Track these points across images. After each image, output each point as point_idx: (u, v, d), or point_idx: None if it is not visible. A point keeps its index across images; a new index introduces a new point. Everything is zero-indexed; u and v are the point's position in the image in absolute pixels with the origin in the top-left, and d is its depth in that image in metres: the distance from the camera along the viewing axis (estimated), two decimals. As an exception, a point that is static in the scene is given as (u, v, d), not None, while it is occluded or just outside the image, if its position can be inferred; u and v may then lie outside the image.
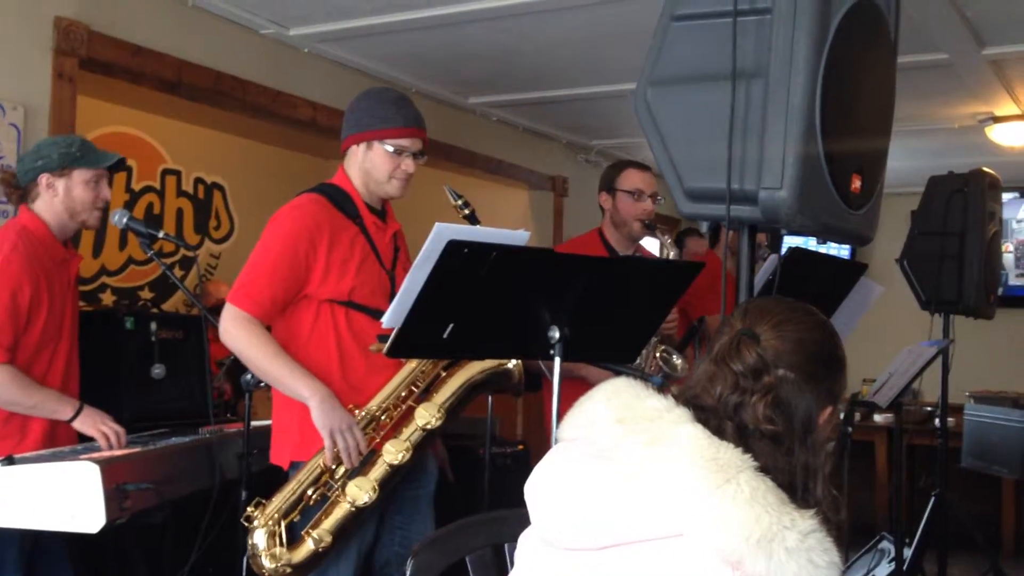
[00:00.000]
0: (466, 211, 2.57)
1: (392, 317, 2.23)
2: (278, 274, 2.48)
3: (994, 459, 5.02)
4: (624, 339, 2.51)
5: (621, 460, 1.20)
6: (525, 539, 1.35)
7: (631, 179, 3.33)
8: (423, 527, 2.64)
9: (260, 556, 2.37)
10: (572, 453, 1.29)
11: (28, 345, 2.66)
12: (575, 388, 2.81)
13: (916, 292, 4.35)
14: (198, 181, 6.42)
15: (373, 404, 2.50)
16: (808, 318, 1.36)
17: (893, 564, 4.13)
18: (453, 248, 2.04)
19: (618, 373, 2.84)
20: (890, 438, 6.50)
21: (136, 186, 5.94)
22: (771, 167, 1.79)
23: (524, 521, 1.42)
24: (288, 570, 2.39)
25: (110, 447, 2.65)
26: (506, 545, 1.62)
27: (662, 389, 1.31)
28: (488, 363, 2.60)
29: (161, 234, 2.94)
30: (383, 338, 2.37)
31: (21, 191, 2.76)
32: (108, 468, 2.24)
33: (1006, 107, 5.04)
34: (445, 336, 2.22)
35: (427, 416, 2.49)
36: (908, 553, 4.14)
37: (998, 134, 5.32)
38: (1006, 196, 6.29)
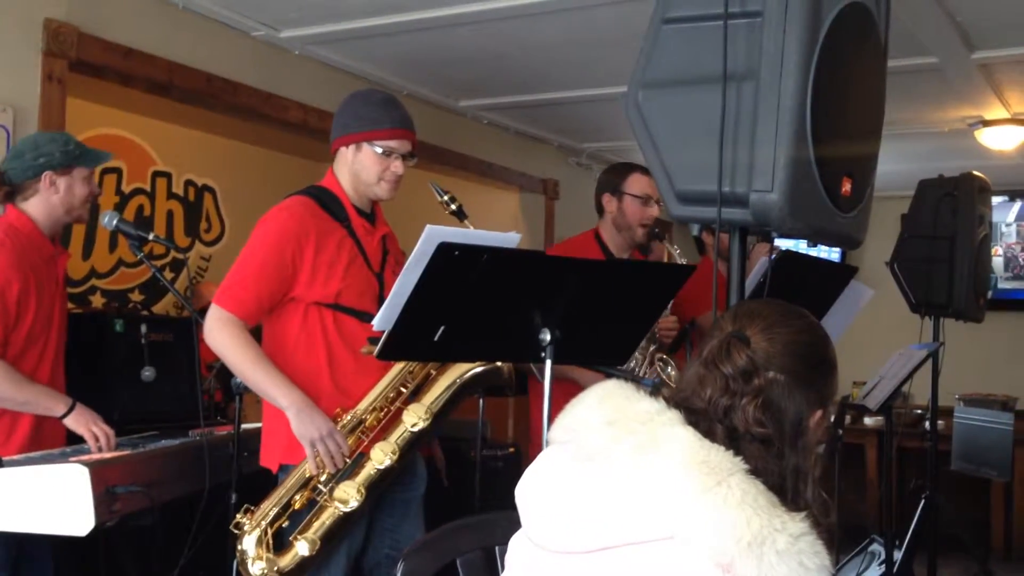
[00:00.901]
0: (453, 206, 2.57)
1: (383, 319, 2.23)
2: (264, 276, 2.48)
3: (983, 461, 5.05)
4: (615, 342, 2.51)
5: (611, 463, 1.20)
6: (516, 542, 1.35)
7: (640, 184, 3.33)
8: (413, 530, 2.64)
9: (249, 562, 2.37)
10: (562, 456, 1.29)
11: (16, 342, 2.65)
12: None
13: (906, 295, 4.36)
14: (188, 183, 6.40)
15: (360, 407, 2.50)
16: (799, 321, 1.36)
17: (883, 566, 4.14)
18: (444, 250, 2.04)
19: (609, 375, 2.86)
20: (880, 441, 6.53)
21: (126, 188, 5.91)
22: (762, 170, 1.79)
23: (515, 524, 1.42)
24: (277, 573, 2.39)
25: (99, 448, 2.64)
26: (497, 548, 1.62)
27: (654, 392, 1.31)
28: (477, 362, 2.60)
29: (151, 236, 2.94)
30: (374, 340, 2.37)
31: (9, 188, 2.74)
32: (97, 471, 2.23)
33: (995, 111, 5.06)
34: (436, 339, 2.23)
35: (414, 417, 2.48)
36: (898, 555, 4.15)
37: (987, 138, 5.34)
38: (996, 199, 6.30)
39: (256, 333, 2.61)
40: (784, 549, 1.10)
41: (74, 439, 2.76)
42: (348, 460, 2.45)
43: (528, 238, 6.27)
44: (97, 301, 5.71)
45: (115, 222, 2.87)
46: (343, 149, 2.63)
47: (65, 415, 2.68)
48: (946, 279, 4.41)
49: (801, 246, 4.74)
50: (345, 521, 2.44)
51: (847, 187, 1.92)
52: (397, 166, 2.60)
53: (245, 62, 4.33)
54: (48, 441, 2.72)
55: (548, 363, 2.32)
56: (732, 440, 1.25)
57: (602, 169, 4.72)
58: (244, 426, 2.92)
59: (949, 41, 3.96)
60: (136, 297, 6.03)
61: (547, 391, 2.35)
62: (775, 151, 1.77)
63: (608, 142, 6.49)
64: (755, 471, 1.18)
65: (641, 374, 3.13)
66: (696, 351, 3.31)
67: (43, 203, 2.75)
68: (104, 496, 2.21)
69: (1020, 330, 6.99)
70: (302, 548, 2.39)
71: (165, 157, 6.18)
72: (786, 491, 1.24)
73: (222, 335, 2.46)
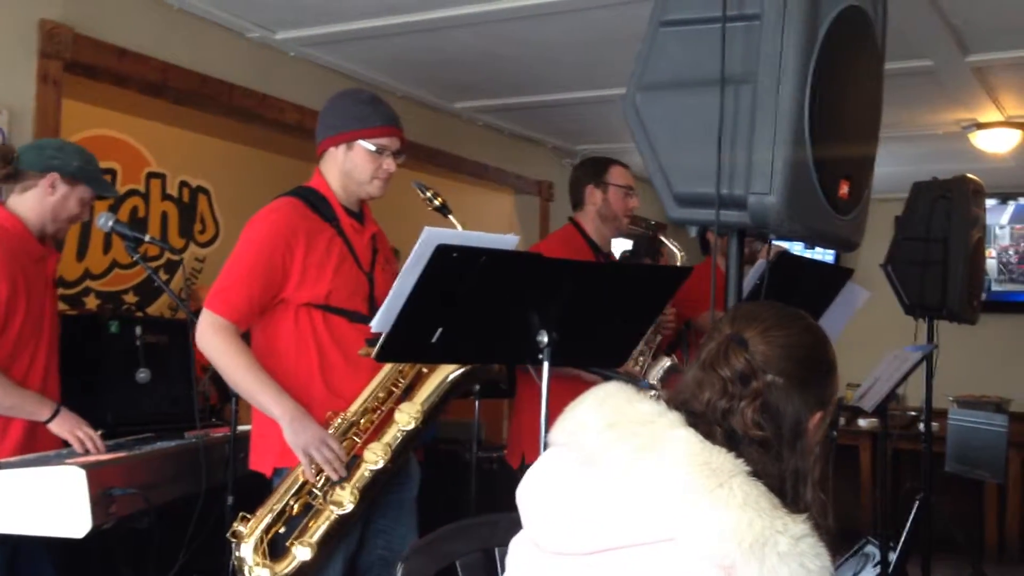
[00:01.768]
0: (436, 202, 2.56)
1: (381, 321, 2.22)
2: (254, 279, 2.46)
3: (977, 463, 5.06)
4: (612, 343, 2.52)
5: (611, 464, 1.20)
6: (516, 544, 1.35)
7: (622, 175, 3.39)
8: (407, 531, 2.63)
9: (247, 571, 2.36)
10: (564, 458, 1.29)
11: (6, 345, 2.63)
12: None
13: (900, 297, 4.38)
14: (183, 184, 6.39)
15: (352, 409, 2.49)
16: (797, 323, 1.37)
17: (878, 568, 4.15)
18: (442, 252, 2.04)
19: (607, 378, 2.86)
20: (874, 443, 6.55)
21: (120, 189, 5.89)
22: (760, 172, 1.79)
23: (515, 525, 1.42)
24: None
25: (85, 452, 2.63)
26: (496, 549, 1.62)
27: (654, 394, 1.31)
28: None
29: (147, 238, 2.93)
30: (371, 342, 2.37)
31: (12, 170, 2.71)
32: (94, 473, 2.22)
33: (989, 113, 5.08)
34: (434, 340, 2.23)
35: (407, 417, 2.47)
36: (892, 557, 4.16)
37: (981, 140, 5.36)
38: (989, 202, 6.33)
39: (245, 335, 2.61)
40: (786, 551, 1.10)
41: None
42: (343, 464, 2.43)
43: (523, 240, 6.23)
44: (91, 303, 5.70)
45: (111, 223, 2.85)
46: (332, 149, 2.61)
47: (49, 420, 2.66)
48: (940, 281, 4.43)
49: (796, 247, 4.75)
50: (341, 524, 2.43)
51: (844, 190, 1.93)
52: (389, 163, 2.59)
53: (240, 63, 4.33)
54: (43, 444, 2.71)
55: (546, 364, 2.32)
56: (731, 443, 1.25)
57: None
58: (240, 428, 2.92)
59: (943, 44, 3.97)
60: (130, 299, 6.01)
61: (544, 393, 2.35)
62: (773, 154, 1.78)
63: (603, 144, 6.49)
64: (755, 473, 1.18)
65: (645, 367, 3.14)
66: (694, 352, 3.33)
67: (36, 202, 2.73)
68: (101, 498, 2.20)
69: (1013, 332, 7.01)
70: (300, 554, 2.37)
71: (159, 158, 6.17)
72: (785, 493, 1.25)
73: (214, 340, 2.44)
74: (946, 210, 4.50)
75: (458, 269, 2.09)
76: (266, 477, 2.54)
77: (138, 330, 3.67)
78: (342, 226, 2.59)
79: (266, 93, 4.47)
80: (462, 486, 4.27)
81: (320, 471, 2.40)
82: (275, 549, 2.39)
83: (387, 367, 2.50)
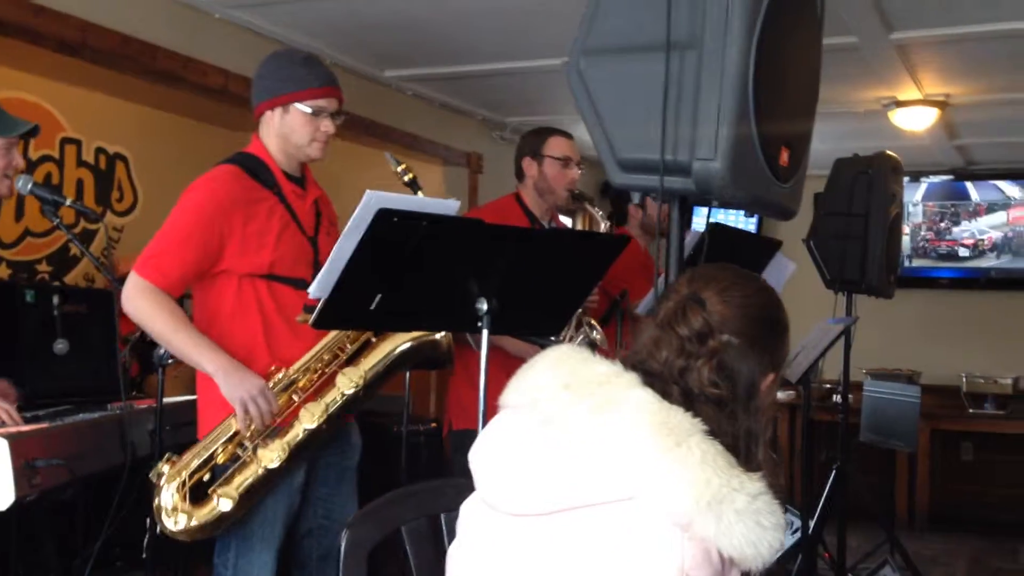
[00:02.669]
0: (406, 178, 2.55)
1: (319, 287, 2.18)
2: (189, 248, 2.42)
3: (891, 433, 5.23)
4: (550, 312, 2.51)
5: (569, 425, 1.20)
6: (469, 507, 1.34)
7: (559, 146, 3.33)
8: (347, 499, 2.63)
9: (166, 516, 2.34)
10: (518, 420, 1.28)
11: None
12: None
13: (821, 271, 4.47)
14: (99, 151, 6.17)
15: (294, 367, 2.46)
16: (753, 284, 1.37)
17: (798, 534, 4.26)
18: (383, 216, 2.00)
19: (542, 347, 2.86)
20: (792, 414, 6.71)
21: (33, 155, 5.66)
22: (705, 138, 1.80)
23: (460, 491, 1.41)
24: (193, 527, 2.35)
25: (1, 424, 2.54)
26: (443, 516, 1.61)
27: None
28: (416, 332, 2.58)
29: (67, 201, 2.82)
30: (309, 309, 2.32)
31: None
32: (16, 444, 2.14)
33: (908, 91, 5.20)
34: (372, 307, 2.19)
35: (348, 382, 2.45)
36: (810, 524, 4.27)
37: (900, 118, 5.48)
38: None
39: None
40: (742, 508, 1.11)
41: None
42: (276, 419, 2.42)
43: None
44: (2, 272, 5.48)
45: (29, 186, 2.74)
46: (268, 113, 2.56)
47: None
48: (860, 256, 4.54)
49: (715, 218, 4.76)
50: (267, 480, 2.41)
51: (784, 157, 1.95)
52: (327, 125, 2.55)
53: (163, 24, 4.18)
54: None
55: (485, 333, 2.31)
56: (687, 401, 1.25)
57: None
58: (166, 400, 2.84)
59: (869, 21, 4.04)
60: (43, 268, 5.80)
61: (483, 361, 2.34)
62: (718, 120, 1.78)
63: (533, 116, 6.47)
64: (711, 433, 1.18)
65: (566, 338, 3.14)
66: (628, 326, 3.34)
67: None
68: (24, 470, 2.13)
69: (924, 307, 7.24)
70: (223, 504, 2.35)
71: (75, 123, 5.94)
72: (739, 452, 1.26)
73: (143, 303, 2.40)
74: (867, 185, 4.61)
75: (399, 234, 2.05)
76: None
77: (56, 299, 3.55)
78: (283, 192, 2.53)
79: (190, 56, 4.33)
80: (392, 459, 4.23)
81: (257, 423, 2.38)
82: (198, 496, 2.36)
83: (333, 332, 2.46)
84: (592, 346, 3.25)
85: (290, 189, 2.56)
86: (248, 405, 2.35)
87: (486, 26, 4.58)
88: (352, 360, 2.51)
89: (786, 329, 1.40)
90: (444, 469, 5.80)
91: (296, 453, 2.41)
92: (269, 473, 2.39)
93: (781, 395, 6.71)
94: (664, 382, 1.27)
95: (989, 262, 7.26)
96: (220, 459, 2.40)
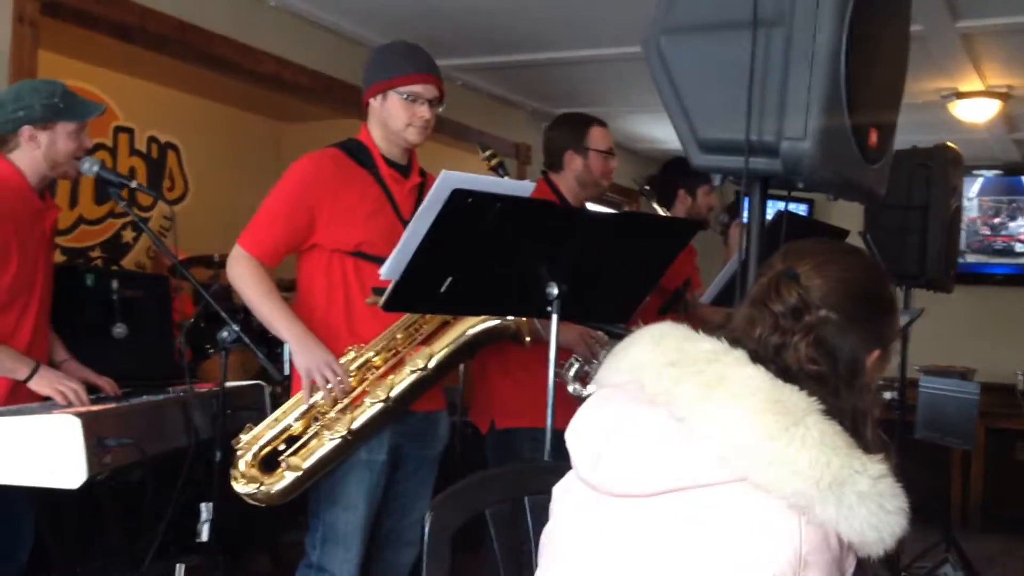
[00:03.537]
0: (492, 163, 2.58)
1: (390, 269, 2.16)
2: (282, 220, 2.54)
3: (948, 431, 5.12)
4: (619, 298, 2.48)
5: (677, 403, 1.16)
6: (565, 488, 1.30)
7: (603, 138, 3.29)
8: (419, 487, 2.68)
9: (237, 478, 2.43)
10: (619, 398, 1.24)
11: None
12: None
13: (879, 264, 4.38)
14: (152, 140, 6.22)
15: (369, 346, 2.51)
16: (851, 258, 1.32)
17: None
18: (457, 197, 1.98)
19: (611, 334, 2.82)
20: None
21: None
22: (794, 117, 1.75)
23: (544, 475, 1.37)
24: (263, 494, 2.43)
25: (68, 405, 2.54)
26: (527, 499, 1.57)
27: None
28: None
29: (133, 183, 2.83)
30: (379, 291, 2.31)
31: None
32: (89, 421, 2.13)
33: (971, 83, 5.09)
34: (442, 290, 2.17)
35: (418, 361, 2.47)
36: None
37: (960, 110, 5.37)
38: (960, 174, 6.39)
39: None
40: (865, 491, 1.07)
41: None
42: (347, 394, 2.47)
43: (500, 203, 6.18)
44: (57, 259, 5.53)
45: (95, 168, 2.73)
46: (372, 101, 2.65)
47: (28, 378, 2.57)
48: (919, 249, 4.45)
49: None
50: (335, 454, 2.44)
51: (874, 138, 1.89)
52: (423, 111, 2.60)
53: (219, 10, 4.18)
54: (24, 400, 2.61)
55: (555, 318, 2.28)
56: (786, 380, 1.20)
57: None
58: (228, 384, 2.84)
59: (935, 8, 3.95)
60: (96, 255, 5.86)
61: (552, 347, 2.31)
62: (808, 99, 1.73)
63: (580, 107, 6.41)
64: (827, 412, 1.14)
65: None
66: (691, 316, 3.29)
67: (26, 157, 2.63)
68: (96, 448, 2.12)
69: (979, 303, 7.10)
70: (289, 473, 2.41)
71: (128, 112, 5.99)
72: (846, 431, 1.20)
73: (239, 271, 2.55)
74: (926, 178, 4.51)
75: (472, 215, 2.03)
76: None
77: (115, 284, 3.56)
78: (381, 175, 2.61)
79: (245, 43, 4.33)
80: (447, 449, 4.22)
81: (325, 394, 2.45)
82: (270, 465, 2.45)
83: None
84: None
85: (388, 173, 2.63)
86: (315, 374, 2.43)
87: (539, 14, 4.54)
88: (428, 340, 2.52)
89: (891, 305, 1.33)
90: (487, 462, 5.78)
91: (364, 429, 2.44)
92: (336, 447, 2.42)
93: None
94: (761, 360, 1.22)
95: (1046, 258, 7.11)
96: (295, 430, 2.47)
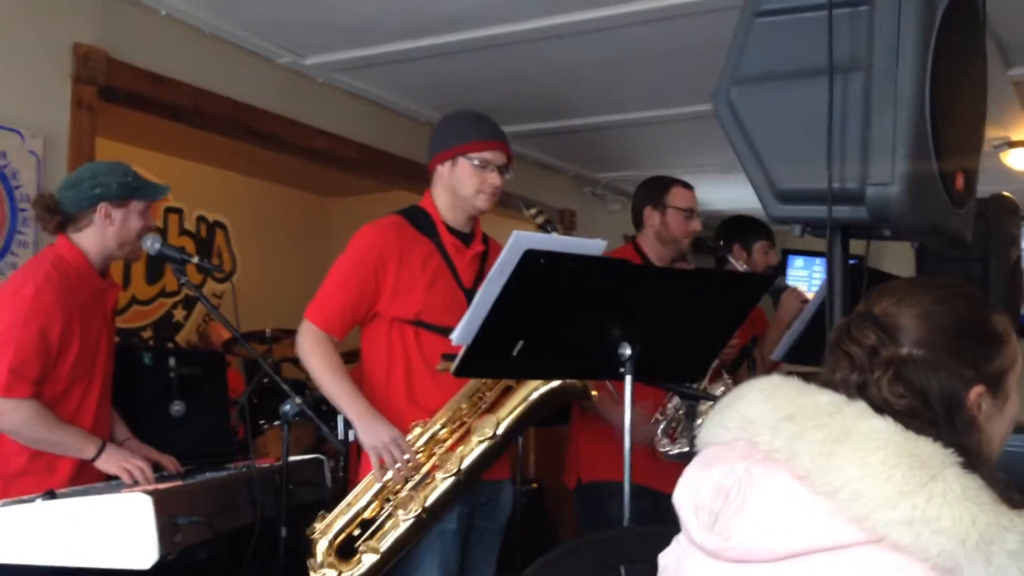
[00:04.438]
0: (539, 220, 2.52)
1: (462, 334, 2.12)
2: (347, 291, 2.53)
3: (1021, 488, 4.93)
4: (692, 357, 2.42)
5: (798, 460, 1.09)
6: (674, 556, 1.23)
7: (684, 197, 3.31)
8: (481, 559, 2.61)
9: (316, 569, 2.36)
10: (731, 455, 1.17)
11: (60, 379, 2.54)
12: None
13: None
14: (200, 219, 6.31)
15: (435, 419, 2.46)
16: (941, 291, 1.23)
17: None
18: (530, 258, 1.94)
19: (681, 395, 2.75)
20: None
21: (138, 225, 5.80)
22: (879, 162, 1.69)
23: (639, 540, 1.30)
24: None
25: (135, 483, 2.52)
26: (623, 568, 1.50)
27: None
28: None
29: (195, 259, 2.84)
30: (449, 357, 2.27)
31: (63, 217, 2.64)
32: (160, 499, 2.09)
33: (1023, 131, 5.02)
34: (514, 354, 2.12)
35: (481, 432, 2.40)
36: None
37: (1013, 159, 5.29)
38: (1013, 223, 6.26)
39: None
40: (1016, 549, 0.98)
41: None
42: (416, 471, 2.41)
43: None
44: (111, 339, 5.57)
45: (157, 245, 2.76)
46: (439, 168, 2.64)
47: (95, 458, 2.56)
48: (980, 301, 4.34)
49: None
50: (411, 533, 2.38)
51: (960, 182, 1.83)
52: (494, 178, 2.60)
53: (270, 89, 4.25)
54: (89, 480, 2.59)
55: (628, 379, 2.22)
56: None
57: (616, 199, 4.56)
58: (291, 459, 2.80)
59: (988, 56, 3.90)
60: (148, 335, 5.90)
61: (628, 410, 2.24)
62: (894, 141, 1.68)
63: (624, 171, 6.43)
64: (965, 465, 1.06)
65: (703, 390, 3.04)
66: (759, 369, 3.21)
67: (97, 235, 2.66)
68: (167, 527, 2.08)
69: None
70: (367, 558, 2.35)
71: (177, 193, 6.06)
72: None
73: (308, 347, 2.54)
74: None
75: (545, 276, 1.99)
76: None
77: (172, 361, 3.56)
78: (443, 243, 2.59)
79: (295, 119, 4.38)
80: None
81: (393, 473, 2.40)
82: (347, 552, 2.39)
83: (473, 381, 2.45)
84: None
85: (450, 241, 2.61)
86: (382, 452, 2.39)
87: (582, 79, 4.57)
88: (492, 407, 2.46)
89: (992, 336, 1.23)
90: (549, 526, 5.68)
91: (438, 505, 2.37)
92: (413, 527, 2.36)
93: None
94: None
95: (1107, 308, 6.92)
96: (368, 514, 2.41)
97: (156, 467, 2.73)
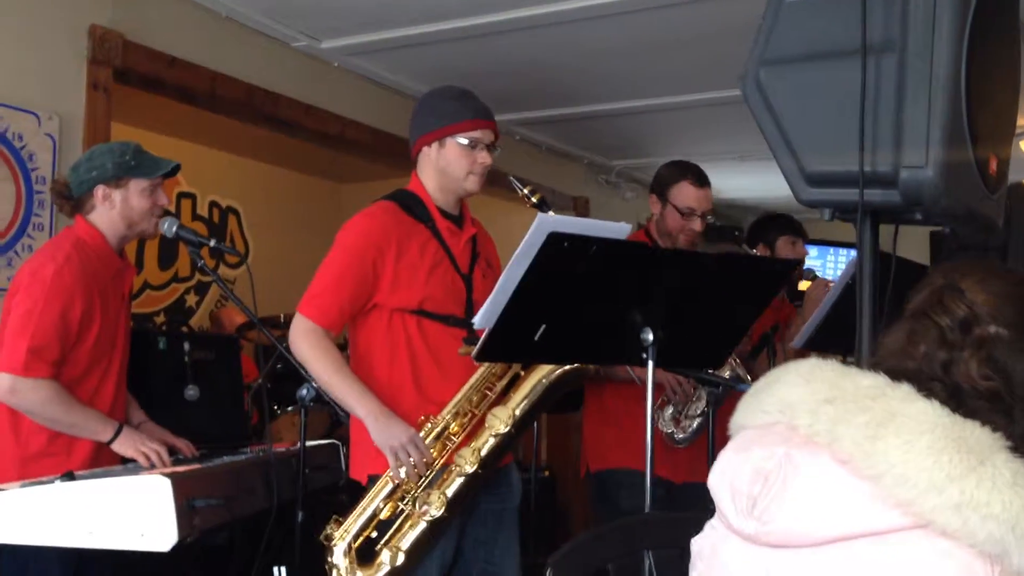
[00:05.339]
0: (533, 199, 2.44)
1: (483, 318, 2.10)
2: (344, 284, 2.41)
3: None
4: (714, 343, 2.39)
5: (839, 443, 1.06)
6: (708, 540, 1.20)
7: (687, 195, 3.10)
8: (508, 542, 2.53)
9: (337, 574, 2.27)
10: (770, 439, 1.15)
11: (79, 361, 2.53)
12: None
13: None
14: (213, 204, 6.30)
15: (444, 413, 2.38)
16: (1018, 274, 1.22)
17: None
18: (554, 240, 1.92)
19: (702, 381, 2.72)
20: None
21: (151, 209, 5.79)
22: (913, 145, 1.66)
23: (669, 526, 1.28)
24: None
25: (151, 466, 2.51)
26: (649, 552, 1.48)
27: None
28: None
29: (212, 242, 2.81)
30: (470, 341, 2.24)
31: (74, 201, 2.63)
32: (178, 482, 2.08)
33: (1042, 119, 4.96)
34: (536, 338, 2.10)
35: (497, 422, 2.35)
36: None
37: (1032, 148, 5.23)
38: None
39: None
40: (1066, 536, 0.96)
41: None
42: (430, 468, 2.35)
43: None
44: (122, 324, 5.57)
45: (174, 228, 2.73)
46: (426, 149, 2.53)
47: (112, 440, 2.55)
48: (999, 291, 4.30)
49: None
50: (432, 531, 2.32)
51: (993, 166, 1.80)
52: (484, 156, 2.51)
53: (286, 73, 4.23)
54: (107, 461, 2.59)
55: (651, 365, 2.20)
56: (954, 399, 1.10)
57: (630, 187, 4.40)
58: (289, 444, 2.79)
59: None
60: (161, 320, 5.89)
61: (649, 395, 2.22)
62: (928, 124, 1.64)
63: (639, 159, 6.39)
64: (1014, 448, 1.04)
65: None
66: (780, 360, 3.19)
67: (104, 217, 2.64)
68: (185, 509, 2.06)
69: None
70: (387, 559, 2.28)
71: (190, 178, 6.07)
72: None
73: (305, 344, 2.41)
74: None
75: (568, 259, 1.96)
76: (362, 485, 2.44)
77: (186, 346, 3.55)
78: (438, 228, 2.49)
79: (309, 103, 4.36)
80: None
81: (410, 472, 2.32)
82: (366, 555, 2.30)
83: (480, 370, 2.38)
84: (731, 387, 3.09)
85: (445, 226, 2.51)
86: (399, 453, 2.30)
87: (601, 65, 4.53)
88: (501, 397, 2.40)
89: None
90: (560, 515, 5.67)
91: (456, 500, 2.31)
92: (434, 525, 2.30)
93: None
94: (924, 380, 1.12)
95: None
96: (384, 515, 2.33)
97: (171, 450, 2.72)
